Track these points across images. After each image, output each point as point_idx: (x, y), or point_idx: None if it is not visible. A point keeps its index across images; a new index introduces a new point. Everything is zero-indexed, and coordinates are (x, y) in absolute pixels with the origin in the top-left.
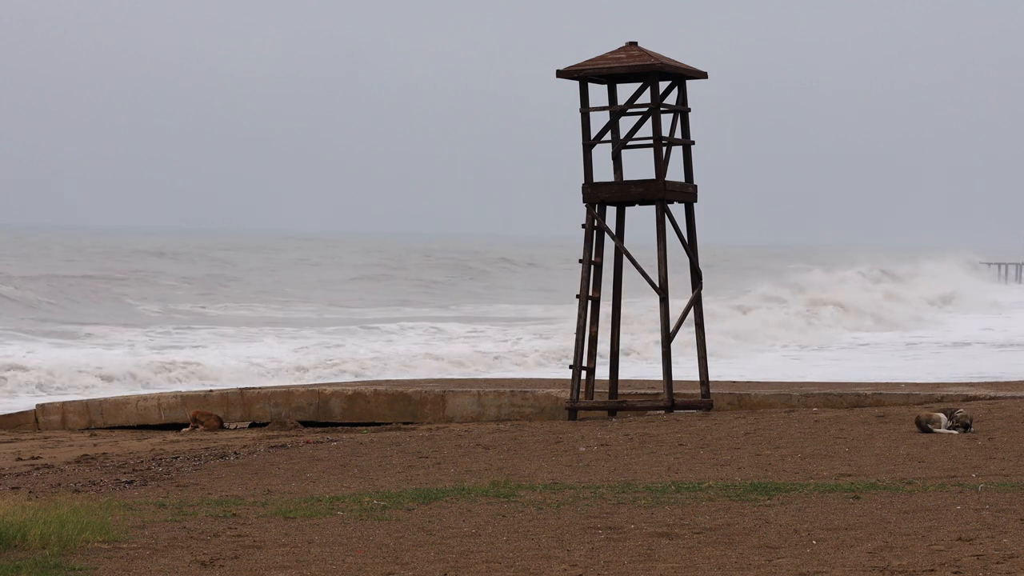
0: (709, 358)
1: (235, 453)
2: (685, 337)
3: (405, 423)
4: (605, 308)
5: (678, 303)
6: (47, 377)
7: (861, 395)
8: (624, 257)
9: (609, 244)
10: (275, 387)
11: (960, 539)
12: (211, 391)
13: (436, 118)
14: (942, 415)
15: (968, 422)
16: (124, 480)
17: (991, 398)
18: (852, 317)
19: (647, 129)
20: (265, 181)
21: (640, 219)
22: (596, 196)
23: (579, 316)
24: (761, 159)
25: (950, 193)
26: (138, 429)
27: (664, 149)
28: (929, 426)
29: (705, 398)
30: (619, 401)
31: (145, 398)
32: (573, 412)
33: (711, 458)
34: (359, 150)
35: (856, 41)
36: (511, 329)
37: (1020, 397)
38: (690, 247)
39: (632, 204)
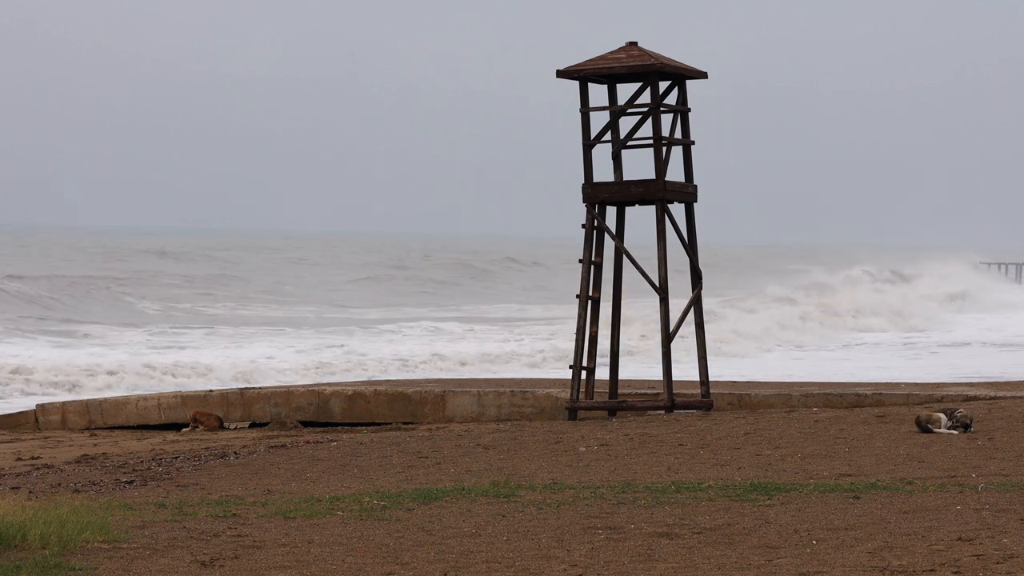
0: (718, 358)
1: (235, 453)
2: (685, 337)
3: (405, 423)
4: (605, 308)
5: (678, 303)
6: (47, 377)
7: (861, 395)
8: (624, 257)
9: (609, 244)
10: (275, 387)
11: (960, 539)
12: (211, 391)
13: (436, 118)
14: (942, 415)
15: (968, 422)
16: (124, 480)
17: (991, 398)
18: (866, 318)
19: (647, 129)
20: (265, 181)
21: (640, 219)
22: (596, 196)
23: (579, 316)
24: (761, 159)
25: (950, 193)
26: (138, 429)
27: (664, 149)
28: (929, 426)
29: (705, 398)
30: (619, 401)
31: (145, 398)
32: (573, 412)
33: (711, 458)
34: (359, 150)
35: (856, 41)
36: (512, 329)
37: (1020, 397)
38: (690, 247)
39: (632, 204)
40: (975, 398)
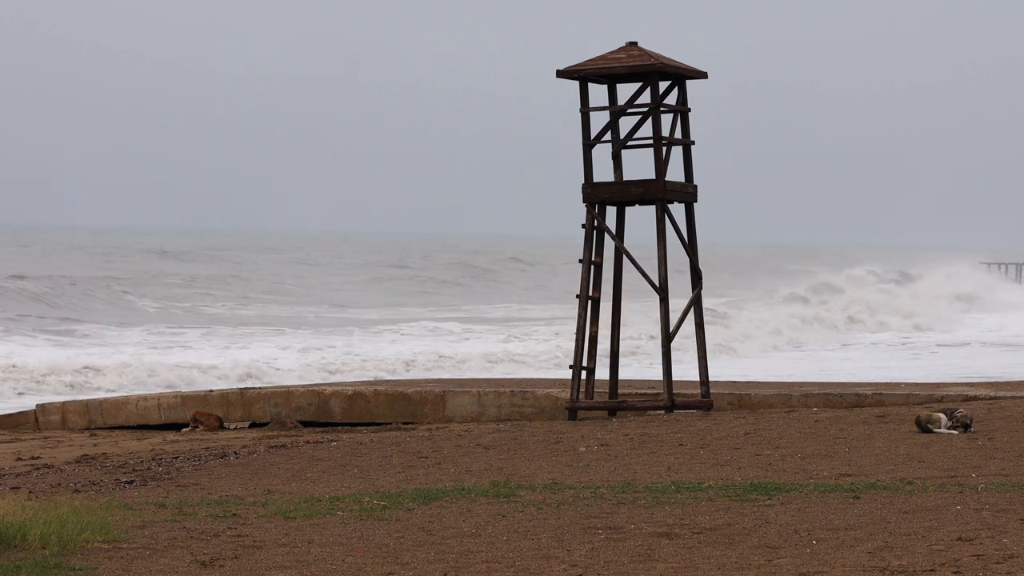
0: (726, 358)
1: (235, 453)
2: (688, 337)
3: (405, 423)
4: (605, 308)
5: (678, 303)
6: (47, 377)
7: (861, 395)
8: (624, 257)
9: (609, 244)
10: (275, 387)
11: (960, 539)
12: (211, 391)
13: (436, 118)
14: (942, 415)
15: (968, 422)
16: (124, 480)
17: (991, 398)
18: (879, 318)
19: (647, 129)
20: (265, 181)
21: (640, 219)
22: (596, 196)
23: (579, 316)
24: (761, 159)
25: (950, 193)
26: (138, 429)
27: (664, 149)
28: (929, 426)
29: (705, 398)
30: (619, 401)
31: (145, 398)
32: (573, 412)
33: (711, 458)
34: (359, 150)
35: (856, 41)
36: (512, 329)
37: (1020, 397)
38: (690, 247)
39: (632, 204)
40: (975, 398)
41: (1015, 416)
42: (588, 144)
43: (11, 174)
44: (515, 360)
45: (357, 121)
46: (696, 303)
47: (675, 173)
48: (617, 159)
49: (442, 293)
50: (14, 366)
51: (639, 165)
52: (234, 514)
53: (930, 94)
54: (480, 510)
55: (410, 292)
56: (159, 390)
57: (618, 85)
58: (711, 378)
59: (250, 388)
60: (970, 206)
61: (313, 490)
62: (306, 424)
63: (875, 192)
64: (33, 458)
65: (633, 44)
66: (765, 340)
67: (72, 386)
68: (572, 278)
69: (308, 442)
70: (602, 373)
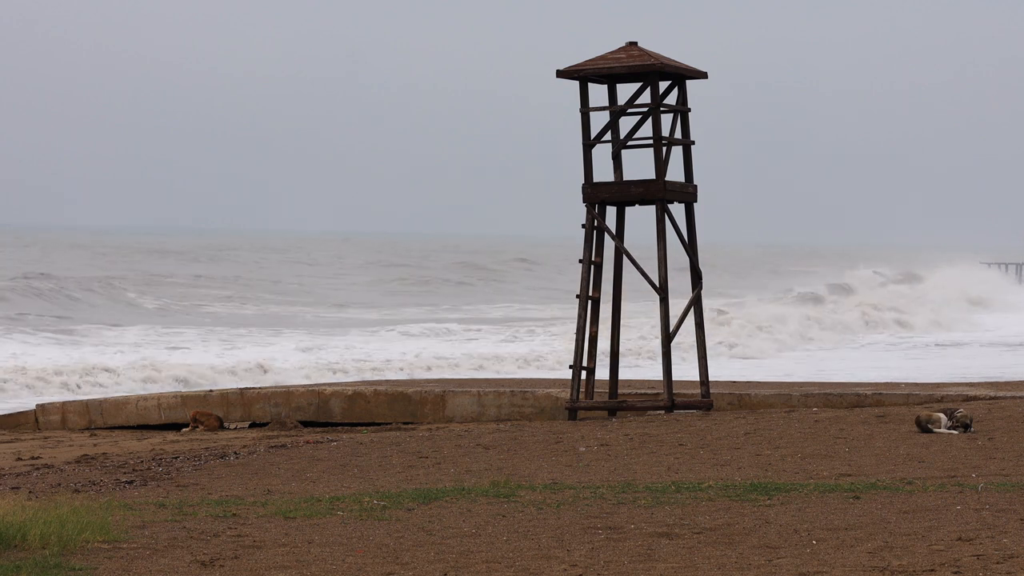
0: (740, 362)
1: (235, 453)
2: (686, 338)
3: (405, 423)
4: (605, 308)
5: (678, 303)
6: (47, 376)
7: (861, 395)
8: (624, 257)
9: (609, 244)
10: (275, 387)
11: (960, 539)
12: (211, 391)
13: (436, 118)
14: (942, 415)
15: (968, 422)
16: (124, 480)
17: (991, 398)
18: (890, 318)
19: (647, 129)
20: (265, 181)
21: (640, 219)
22: (596, 196)
23: (579, 316)
24: (761, 159)
25: (950, 193)
26: (138, 429)
27: (664, 149)
28: (929, 426)
29: (705, 398)
30: (619, 401)
31: (145, 398)
32: (573, 412)
33: (711, 458)
34: (359, 150)
35: (856, 41)
36: (513, 329)
37: (1020, 397)
38: (690, 247)
39: (632, 204)
40: (975, 398)
41: (1015, 416)
42: (588, 144)
43: (11, 174)
44: (515, 360)
45: (357, 121)
46: (696, 303)
47: (675, 173)
48: (617, 159)
49: (442, 293)
50: (14, 366)
51: (639, 165)
52: (234, 514)
53: (930, 94)
54: (480, 510)
55: (410, 292)
56: (159, 390)
57: (618, 85)
58: (711, 378)
59: (250, 388)
60: (970, 206)
61: (313, 490)
62: (306, 424)
63: (875, 192)
64: (33, 458)
65: (633, 44)
66: (778, 340)
67: (72, 386)
68: (573, 278)
69: (308, 442)
70: (602, 373)
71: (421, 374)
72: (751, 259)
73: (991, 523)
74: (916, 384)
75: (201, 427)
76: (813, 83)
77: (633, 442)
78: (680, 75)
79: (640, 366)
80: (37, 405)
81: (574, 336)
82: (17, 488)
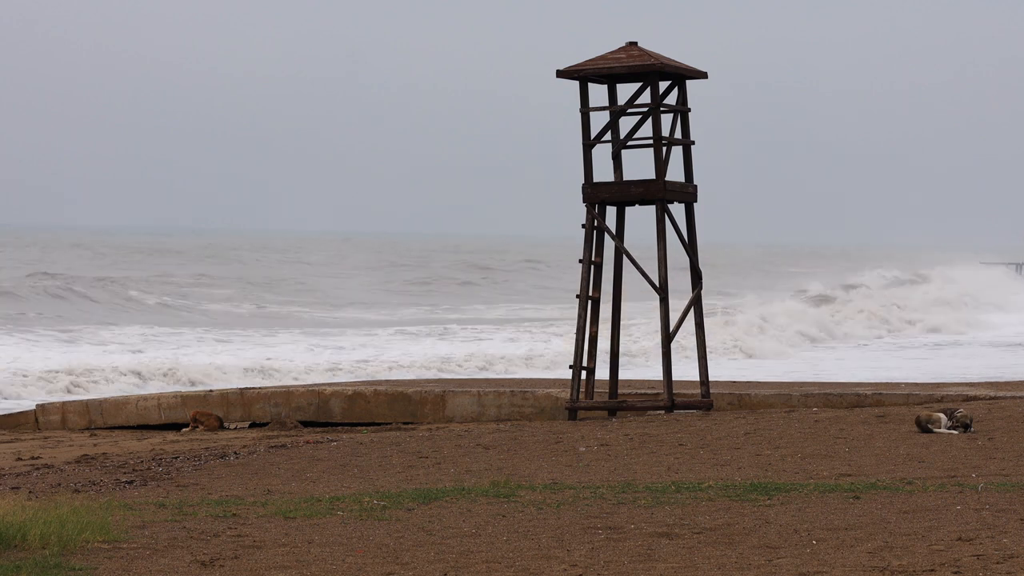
0: (738, 360)
1: (235, 453)
2: (687, 338)
3: (405, 423)
4: (605, 308)
5: (678, 303)
6: (47, 376)
7: (861, 395)
8: (624, 257)
9: (609, 244)
10: (275, 387)
11: (960, 539)
12: (211, 391)
13: (436, 118)
14: (942, 415)
15: (968, 422)
16: (124, 480)
17: (991, 398)
18: (891, 318)
19: (647, 129)
20: (265, 181)
21: (640, 219)
22: (596, 196)
23: (579, 316)
24: (761, 159)
25: (950, 193)
26: (138, 429)
27: (664, 149)
28: (929, 426)
29: (705, 398)
30: (619, 401)
31: (145, 398)
32: (573, 412)
33: (711, 458)
34: (359, 150)
35: (856, 41)
36: (513, 329)
37: (1020, 397)
38: (690, 247)
39: (632, 204)
40: (975, 398)
41: (1015, 416)
42: (588, 144)
43: (11, 174)
44: (515, 360)
45: (357, 121)
46: (696, 303)
47: (675, 173)
48: (617, 159)
49: (442, 292)
50: (14, 366)
51: (639, 165)
52: (234, 514)
53: (930, 94)
54: (480, 510)
55: (410, 292)
56: (159, 390)
57: (618, 85)
58: (711, 378)
59: (250, 388)
60: (970, 206)
61: (313, 490)
62: (306, 424)
63: (875, 192)
64: (33, 458)
65: (633, 44)
66: (778, 340)
67: (72, 386)
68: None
69: (308, 442)
70: (602, 373)
71: (421, 374)
72: (751, 259)
73: (991, 523)
74: (916, 384)
75: (201, 427)
76: (813, 83)
77: (633, 442)
78: (680, 75)
79: (640, 366)
80: (37, 405)
81: (574, 336)
82: (17, 488)
